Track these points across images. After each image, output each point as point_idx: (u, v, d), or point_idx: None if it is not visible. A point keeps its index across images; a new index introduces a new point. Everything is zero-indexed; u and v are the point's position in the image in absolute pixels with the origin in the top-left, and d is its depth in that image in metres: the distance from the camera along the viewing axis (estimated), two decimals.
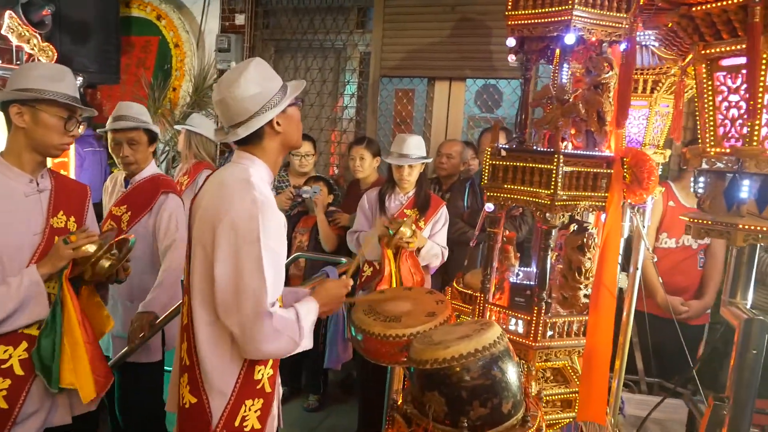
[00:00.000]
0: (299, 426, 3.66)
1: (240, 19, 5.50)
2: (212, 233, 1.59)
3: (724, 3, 1.23)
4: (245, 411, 1.70)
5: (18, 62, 3.66)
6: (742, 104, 1.31)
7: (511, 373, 1.53)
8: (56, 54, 3.81)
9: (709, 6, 1.27)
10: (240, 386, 1.69)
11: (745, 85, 1.29)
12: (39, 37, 3.72)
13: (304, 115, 5.57)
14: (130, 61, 5.72)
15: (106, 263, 1.91)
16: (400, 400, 1.63)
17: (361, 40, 5.38)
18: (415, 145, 3.18)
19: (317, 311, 1.77)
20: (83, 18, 4.85)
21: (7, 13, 3.56)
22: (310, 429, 3.67)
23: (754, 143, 1.29)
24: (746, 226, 1.30)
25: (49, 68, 2.03)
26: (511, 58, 2.11)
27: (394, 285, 2.97)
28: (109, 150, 2.82)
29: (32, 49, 3.65)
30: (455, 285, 2.54)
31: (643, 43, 2.02)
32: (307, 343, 1.71)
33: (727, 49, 1.30)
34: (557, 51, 2.03)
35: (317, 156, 4.40)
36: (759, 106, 1.26)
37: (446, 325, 1.79)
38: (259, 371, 1.73)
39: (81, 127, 2.05)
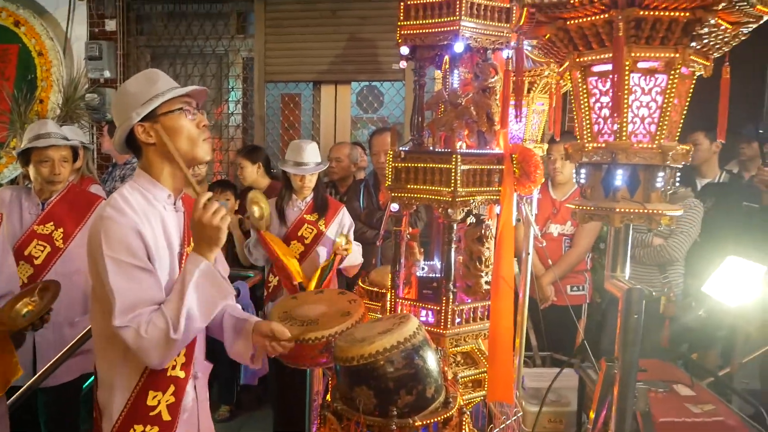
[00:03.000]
0: None
1: (111, 25, 5.22)
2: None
3: (593, 18, 1.42)
4: None
5: None
6: (614, 105, 1.51)
7: (431, 360, 1.65)
8: None
9: (581, 21, 1.45)
10: (128, 410, 1.62)
11: (612, 88, 1.50)
12: None
13: None
14: None
15: (22, 309, 1.80)
16: (329, 399, 1.69)
17: (242, 45, 5.32)
18: (312, 153, 3.23)
19: (189, 268, 1.56)
20: None
21: None
22: None
23: (624, 138, 1.50)
24: (621, 209, 1.51)
25: None
26: (403, 64, 2.24)
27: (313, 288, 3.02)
28: (29, 169, 2.71)
29: None
30: (361, 284, 2.64)
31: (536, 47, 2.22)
32: (183, 330, 1.51)
33: (597, 57, 1.49)
34: (446, 58, 2.18)
35: (207, 163, 4.31)
36: (624, 106, 1.47)
37: (366, 322, 1.88)
38: (154, 397, 1.63)
39: None
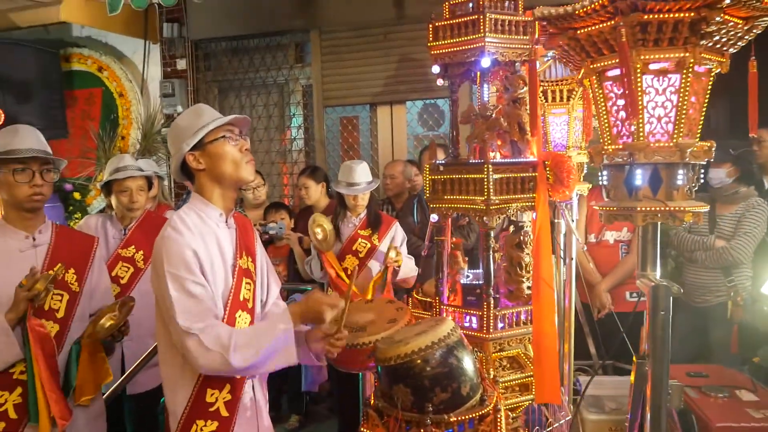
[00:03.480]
0: None
1: (181, 64, 5.65)
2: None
3: (600, 26, 1.49)
4: (197, 430, 1.77)
5: None
6: (628, 107, 1.56)
7: (466, 360, 1.73)
8: (2, 115, 3.88)
9: (589, 29, 1.52)
10: (190, 408, 1.78)
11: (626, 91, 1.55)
12: None
13: (254, 150, 5.72)
14: (74, 115, 5.77)
15: (106, 323, 2.04)
16: (372, 398, 1.80)
17: (301, 73, 5.60)
18: (363, 173, 3.38)
19: (279, 328, 1.76)
20: (25, 77, 4.92)
21: None
22: None
23: (641, 138, 1.54)
24: (643, 208, 1.55)
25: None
26: (440, 81, 2.35)
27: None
28: (111, 199, 3.02)
29: None
30: (414, 295, 2.74)
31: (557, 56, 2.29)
32: (239, 362, 1.67)
33: (609, 62, 1.55)
34: (478, 72, 2.28)
35: (267, 186, 4.55)
36: (639, 107, 1.52)
37: (405, 327, 1.98)
38: (212, 394, 1.80)
39: (52, 175, 2.17)
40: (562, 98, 2.80)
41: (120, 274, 2.89)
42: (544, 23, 1.57)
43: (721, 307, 3.45)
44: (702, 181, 1.63)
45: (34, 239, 2.13)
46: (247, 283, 1.89)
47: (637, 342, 3.37)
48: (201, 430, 1.78)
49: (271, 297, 2.04)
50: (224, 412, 1.80)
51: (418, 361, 1.66)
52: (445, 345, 1.69)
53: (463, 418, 1.64)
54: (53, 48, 5.51)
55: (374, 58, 5.20)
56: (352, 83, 5.34)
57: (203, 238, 1.79)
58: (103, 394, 2.58)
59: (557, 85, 2.76)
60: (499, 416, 1.67)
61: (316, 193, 4.02)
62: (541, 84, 2.75)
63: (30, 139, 2.12)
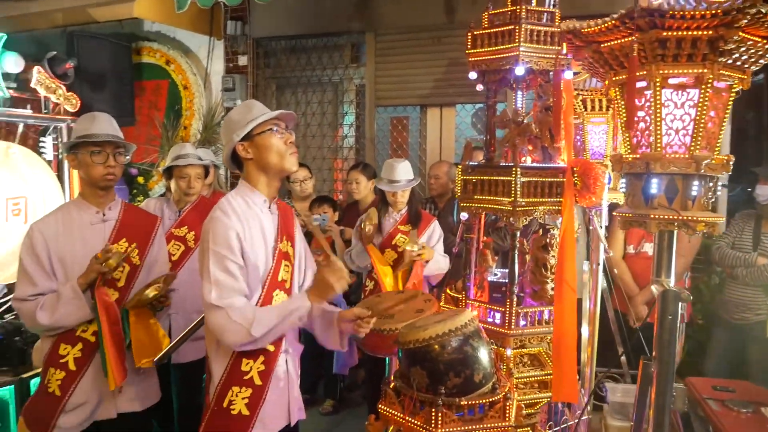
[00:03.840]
0: (315, 430, 3.95)
1: (243, 60, 5.92)
2: None
3: (621, 41, 1.57)
4: (232, 395, 1.96)
5: (46, 111, 4.06)
6: (647, 118, 1.63)
7: (482, 350, 1.84)
8: (79, 102, 4.21)
9: (611, 43, 1.60)
10: (227, 374, 1.98)
11: (648, 103, 1.62)
12: (63, 88, 4.13)
13: (306, 146, 5.97)
14: (142, 104, 6.15)
15: (150, 293, 2.27)
16: (391, 378, 1.93)
17: (356, 73, 5.78)
18: (403, 171, 3.53)
19: (297, 304, 1.94)
20: (100, 68, 5.30)
21: (36, 68, 3.97)
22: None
23: (658, 149, 1.62)
24: (657, 216, 1.62)
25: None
26: (479, 87, 2.46)
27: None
28: (171, 183, 3.30)
29: (58, 99, 4.06)
30: (448, 291, 2.86)
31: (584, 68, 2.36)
32: (261, 334, 1.87)
33: (632, 74, 1.63)
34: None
35: (314, 179, 4.74)
36: (658, 119, 1.59)
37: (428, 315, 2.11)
38: (247, 364, 1.98)
39: (122, 158, 2.42)
40: (601, 107, 2.86)
41: (172, 251, 3.13)
42: (570, 37, 1.66)
43: (760, 325, 3.42)
44: (717, 193, 1.68)
45: (104, 214, 2.38)
46: (285, 265, 2.06)
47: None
48: (236, 395, 1.97)
49: (307, 280, 2.21)
50: (258, 381, 1.98)
51: (435, 347, 1.78)
52: (461, 333, 1.81)
53: (473, 402, 1.76)
54: (126, 41, 5.90)
55: (426, 60, 5.33)
56: (404, 84, 5.49)
57: (248, 222, 1.97)
58: None
59: (596, 94, 2.82)
60: (508, 404, 1.77)
61: (366, 188, 4.17)
62: (581, 93, 2.82)
63: (106, 124, 2.37)
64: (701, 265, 3.94)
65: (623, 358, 3.47)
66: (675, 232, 1.69)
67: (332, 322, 2.08)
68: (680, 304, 3.76)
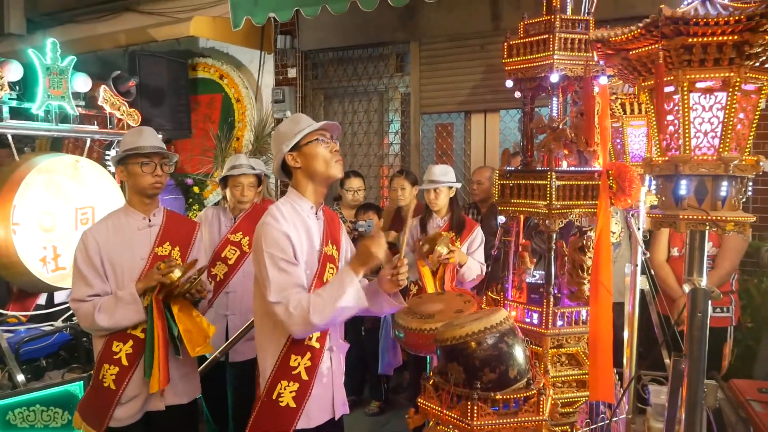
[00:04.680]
0: (361, 431, 4.07)
1: (292, 73, 6.15)
2: None
3: (648, 49, 1.62)
4: (281, 389, 2.09)
5: (111, 126, 4.35)
6: (676, 122, 1.68)
7: (517, 347, 1.91)
8: (140, 117, 4.49)
9: (639, 51, 1.66)
10: (277, 369, 2.11)
11: (677, 107, 1.67)
12: (126, 105, 4.42)
13: (353, 154, 6.14)
14: (197, 117, 6.45)
15: (174, 275, 2.40)
16: (430, 374, 2.03)
17: (401, 82, 5.91)
18: (441, 172, 3.66)
19: (343, 276, 2.03)
20: (159, 84, 5.62)
21: (102, 87, 4.27)
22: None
23: (687, 151, 1.66)
24: (686, 216, 1.66)
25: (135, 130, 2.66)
26: (517, 94, 2.54)
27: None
28: (226, 192, 3.49)
29: (122, 115, 4.35)
30: (490, 294, 2.93)
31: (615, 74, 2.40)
32: (320, 320, 1.97)
33: (659, 81, 1.68)
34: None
35: (367, 190, 4.87)
36: (686, 122, 1.64)
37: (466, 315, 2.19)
38: (295, 359, 2.11)
39: (168, 168, 2.60)
40: (640, 110, 2.87)
41: (228, 255, 3.33)
42: (599, 45, 1.73)
43: None
44: (748, 193, 1.71)
45: (149, 220, 2.58)
46: (330, 267, 2.19)
47: (716, 358, 3.35)
48: (285, 389, 2.10)
49: None
50: (304, 376, 2.11)
51: (472, 344, 1.87)
52: (497, 331, 1.89)
53: (508, 397, 1.83)
54: (182, 58, 6.22)
55: (470, 68, 5.40)
56: (448, 92, 5.57)
57: (295, 226, 2.11)
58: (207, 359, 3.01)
59: (635, 98, 2.84)
60: (542, 399, 1.84)
61: (411, 195, 4.28)
62: (620, 97, 2.84)
63: (152, 138, 2.58)
64: (751, 268, 3.86)
65: (667, 361, 3.45)
66: (706, 232, 1.73)
67: (377, 290, 2.15)
68: (730, 306, 3.69)
